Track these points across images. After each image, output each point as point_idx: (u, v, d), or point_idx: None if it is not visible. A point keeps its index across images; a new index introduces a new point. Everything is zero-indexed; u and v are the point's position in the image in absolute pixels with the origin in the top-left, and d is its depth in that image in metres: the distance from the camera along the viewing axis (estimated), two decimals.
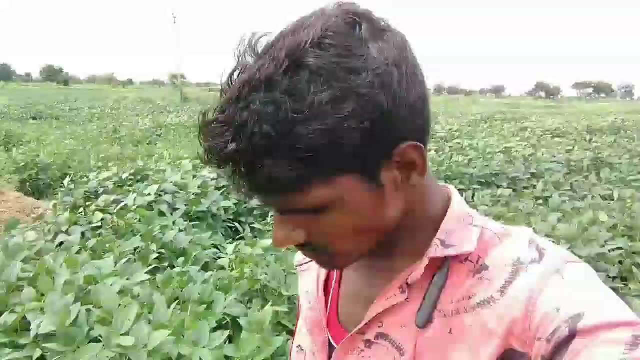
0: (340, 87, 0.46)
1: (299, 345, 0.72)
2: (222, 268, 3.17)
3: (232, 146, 0.46)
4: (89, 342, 1.87)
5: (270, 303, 2.44)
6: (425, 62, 0.55)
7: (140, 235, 3.53)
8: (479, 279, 0.53)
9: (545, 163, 7.94)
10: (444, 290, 0.55)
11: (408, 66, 0.50)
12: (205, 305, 2.35)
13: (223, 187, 5.08)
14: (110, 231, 3.86)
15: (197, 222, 4.31)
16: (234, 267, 3.17)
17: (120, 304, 2.02)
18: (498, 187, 6.46)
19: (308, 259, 0.70)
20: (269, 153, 0.46)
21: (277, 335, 2.24)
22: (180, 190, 4.78)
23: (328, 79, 0.45)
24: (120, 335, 1.77)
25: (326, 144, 0.46)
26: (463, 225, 0.57)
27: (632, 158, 8.94)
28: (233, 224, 4.68)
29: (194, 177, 5.28)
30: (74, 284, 2.17)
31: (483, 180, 6.82)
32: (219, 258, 3.45)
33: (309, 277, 0.73)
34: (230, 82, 0.49)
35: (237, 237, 4.42)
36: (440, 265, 0.56)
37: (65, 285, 2.13)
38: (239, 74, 0.49)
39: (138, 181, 5.39)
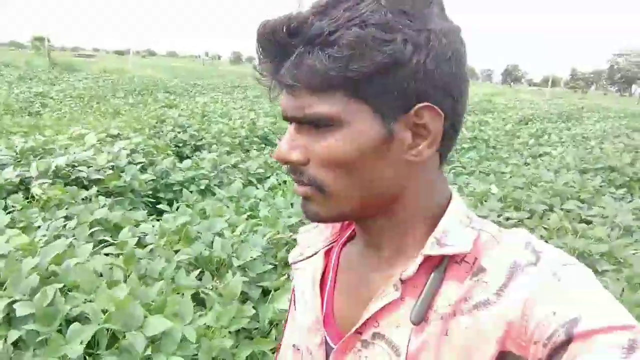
0: (393, 19, 0.50)
1: (295, 345, 0.71)
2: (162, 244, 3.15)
3: (286, 29, 0.51)
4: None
5: (232, 273, 2.53)
6: None
7: (66, 211, 3.35)
8: (475, 281, 0.53)
9: None
10: (440, 291, 0.55)
11: (457, 52, 0.54)
12: (170, 281, 2.37)
13: (140, 161, 4.91)
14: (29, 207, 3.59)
15: (117, 198, 4.15)
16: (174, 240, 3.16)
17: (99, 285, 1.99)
18: None
19: (302, 257, 0.73)
20: (310, 46, 0.50)
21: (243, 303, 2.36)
22: (89, 166, 4.52)
23: (387, 9, 0.50)
24: (112, 314, 1.77)
25: (360, 54, 0.49)
26: (460, 226, 0.57)
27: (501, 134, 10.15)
28: (153, 200, 4.56)
29: (100, 151, 5.01)
30: (36, 267, 2.08)
31: None
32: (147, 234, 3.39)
33: (303, 276, 0.73)
34: None
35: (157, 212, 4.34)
36: (437, 265, 0.56)
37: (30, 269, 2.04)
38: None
39: (37, 156, 4.98)
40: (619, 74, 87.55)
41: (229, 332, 2.18)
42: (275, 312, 2.30)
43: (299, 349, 0.70)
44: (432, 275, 0.55)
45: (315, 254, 0.71)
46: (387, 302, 0.57)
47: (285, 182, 5.20)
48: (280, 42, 0.52)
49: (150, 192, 4.60)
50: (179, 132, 7.19)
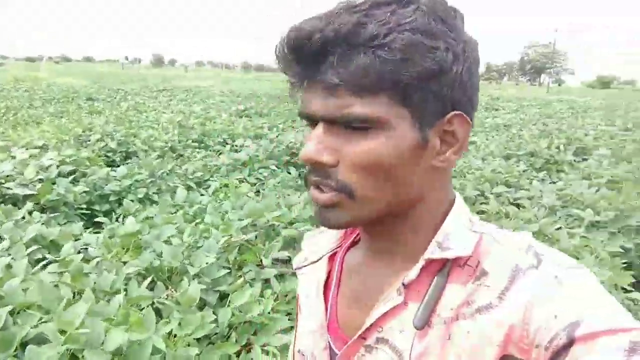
0: (437, 27, 0.51)
1: (300, 350, 0.71)
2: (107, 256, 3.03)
3: (335, 29, 0.50)
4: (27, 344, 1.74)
5: (187, 281, 2.48)
6: None
7: None
8: (478, 284, 0.54)
9: None
10: (443, 295, 0.55)
11: (478, 62, 0.57)
12: (123, 293, 2.30)
13: (70, 172, 4.67)
14: None
15: (51, 213, 3.93)
16: (118, 252, 3.05)
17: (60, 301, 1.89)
18: None
19: (307, 262, 0.72)
20: (360, 47, 0.50)
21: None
22: (14, 181, 4.25)
23: (429, 16, 0.51)
24: (75, 330, 1.69)
25: (409, 58, 0.50)
26: (462, 230, 0.58)
27: None
28: (87, 212, 4.36)
29: (26, 164, 4.73)
30: None
31: None
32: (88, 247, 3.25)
33: (307, 281, 0.73)
34: None
35: (93, 225, 4.16)
36: (440, 269, 0.56)
37: None
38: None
39: None
40: (529, 64, 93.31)
41: (193, 340, 2.15)
42: (235, 314, 2.29)
43: (303, 355, 0.69)
44: (435, 279, 0.55)
45: (320, 259, 0.71)
46: (390, 307, 0.57)
47: (227, 185, 5.14)
48: (317, 47, 0.51)
49: (85, 205, 4.40)
50: (107, 141, 6.90)
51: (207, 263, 2.57)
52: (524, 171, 6.22)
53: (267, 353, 2.25)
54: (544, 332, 0.46)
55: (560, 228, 3.84)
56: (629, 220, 4.27)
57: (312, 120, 0.56)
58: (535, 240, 0.56)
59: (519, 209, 4.46)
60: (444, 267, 0.56)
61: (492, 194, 5.04)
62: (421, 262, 0.56)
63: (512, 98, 26.71)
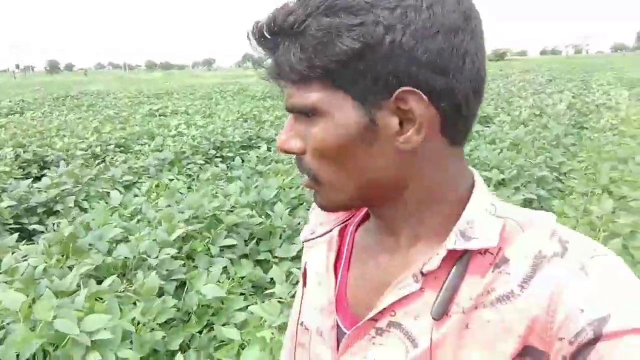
0: (363, 1, 0.48)
1: (303, 323, 0.69)
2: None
3: (289, 15, 0.50)
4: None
5: (142, 273, 2.60)
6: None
7: None
8: (498, 272, 0.51)
9: None
10: (463, 283, 0.52)
11: (444, 21, 0.49)
12: (85, 290, 2.38)
13: None
14: None
15: None
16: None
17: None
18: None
19: (315, 235, 0.71)
20: (285, 38, 0.51)
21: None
22: None
23: None
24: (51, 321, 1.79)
25: (326, 42, 0.48)
26: (486, 216, 0.54)
27: None
28: (17, 225, 4.25)
29: None
30: None
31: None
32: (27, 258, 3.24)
33: (316, 254, 0.70)
34: None
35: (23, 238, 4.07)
36: (460, 257, 0.53)
37: None
38: None
39: None
40: None
41: (156, 325, 2.29)
42: (199, 298, 2.45)
43: (307, 329, 0.68)
44: (455, 267, 0.53)
45: (329, 232, 0.69)
46: (406, 293, 0.55)
47: (158, 185, 5.17)
48: (265, 39, 0.53)
49: (12, 219, 4.28)
50: (19, 152, 6.61)
51: (167, 254, 2.69)
52: None
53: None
54: (569, 326, 0.44)
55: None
56: (528, 173, 4.84)
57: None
58: (559, 225, 0.53)
59: None
60: (463, 254, 0.53)
61: None
62: (443, 252, 0.53)
63: None
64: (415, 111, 0.50)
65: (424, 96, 0.49)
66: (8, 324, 1.93)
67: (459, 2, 0.50)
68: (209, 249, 3.11)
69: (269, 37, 0.52)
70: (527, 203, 4.23)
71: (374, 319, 0.57)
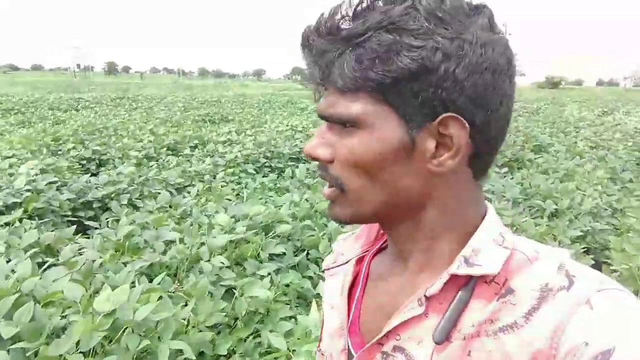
0: (426, 27, 0.50)
1: (320, 349, 0.72)
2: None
3: (321, 32, 0.53)
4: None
5: (194, 275, 2.65)
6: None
7: None
8: (503, 302, 0.52)
9: None
10: (466, 310, 0.53)
11: (497, 64, 0.52)
12: (141, 285, 2.45)
13: (52, 181, 4.71)
14: None
15: (39, 220, 4.00)
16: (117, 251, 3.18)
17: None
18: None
19: (336, 264, 0.73)
20: (339, 47, 0.52)
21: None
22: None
23: (422, 16, 0.50)
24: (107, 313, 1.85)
25: (385, 57, 0.50)
26: (492, 245, 0.55)
27: None
28: (74, 218, 4.43)
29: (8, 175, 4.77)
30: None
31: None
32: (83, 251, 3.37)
33: (334, 282, 0.73)
34: None
35: (80, 231, 4.23)
36: (465, 284, 0.54)
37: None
38: None
39: None
40: None
41: (205, 327, 2.33)
42: (248, 304, 2.48)
43: (323, 354, 0.71)
44: (459, 294, 0.54)
45: (348, 262, 0.72)
46: (410, 317, 0.56)
47: (209, 189, 5.28)
48: (316, 45, 0.54)
49: (70, 212, 4.47)
50: (80, 149, 6.92)
51: (220, 263, 2.75)
52: None
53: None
54: (573, 359, 0.44)
55: (526, 219, 4.18)
56: (582, 207, 4.68)
57: (320, 117, 0.59)
58: (569, 259, 0.54)
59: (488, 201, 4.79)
60: (469, 282, 0.54)
61: None
62: (445, 277, 0.54)
63: None
64: (454, 137, 0.52)
65: (467, 125, 0.52)
66: (65, 316, 2.00)
67: (506, 47, 0.54)
68: (258, 254, 3.15)
69: (323, 41, 0.53)
70: (580, 238, 4.08)
71: (381, 343, 0.59)
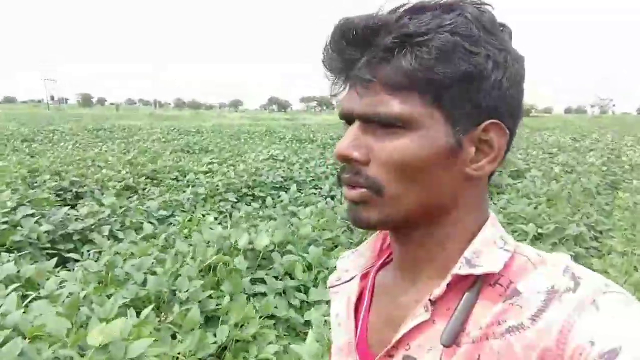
0: (478, 34, 0.52)
1: None
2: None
3: (377, 25, 0.52)
4: None
5: (178, 305, 2.59)
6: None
7: None
8: (510, 304, 0.52)
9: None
10: (473, 313, 0.53)
11: (522, 77, 0.56)
12: (129, 317, 2.38)
13: (30, 214, 4.59)
14: None
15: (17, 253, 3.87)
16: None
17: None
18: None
19: (340, 281, 0.73)
20: (397, 45, 0.51)
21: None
22: None
23: (473, 24, 0.52)
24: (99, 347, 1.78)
25: (447, 59, 0.50)
26: (493, 248, 0.56)
27: None
28: (53, 251, 4.30)
29: None
30: None
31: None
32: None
33: (339, 300, 0.72)
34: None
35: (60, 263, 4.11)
36: (470, 287, 0.54)
37: None
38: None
39: None
40: None
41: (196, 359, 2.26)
42: (231, 332, 2.43)
43: None
44: (465, 297, 0.54)
45: (352, 278, 0.71)
46: (416, 323, 0.55)
47: (190, 219, 5.21)
48: (359, 38, 0.53)
49: (49, 244, 4.34)
50: (57, 180, 6.78)
51: (194, 287, 2.69)
52: None
53: None
54: (580, 358, 0.45)
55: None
56: (566, 231, 4.75)
57: (349, 120, 0.57)
58: (572, 262, 0.54)
59: None
60: (473, 285, 0.54)
61: None
62: (448, 278, 0.54)
63: None
64: (494, 143, 0.54)
65: (507, 132, 0.54)
66: (53, 351, 1.92)
67: (524, 65, 0.57)
68: (240, 280, 3.10)
69: (375, 34, 0.52)
70: None
71: (390, 355, 0.58)
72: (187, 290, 2.79)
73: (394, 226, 0.60)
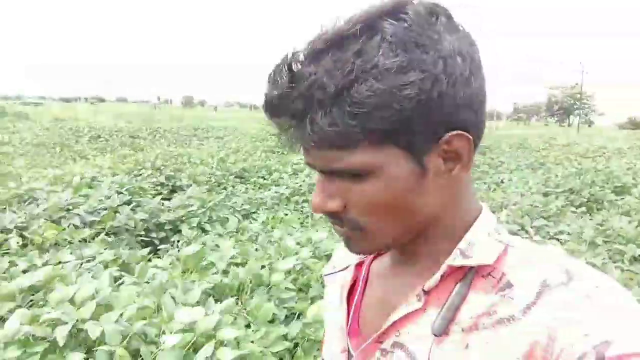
0: (407, 58, 0.47)
1: (322, 356, 0.73)
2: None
3: (294, 94, 0.49)
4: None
5: (257, 297, 2.67)
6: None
7: (68, 251, 3.41)
8: (501, 296, 0.52)
9: None
10: (464, 303, 0.54)
11: (473, 62, 0.52)
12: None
13: (127, 202, 4.98)
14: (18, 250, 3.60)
15: (113, 238, 4.20)
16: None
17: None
18: None
19: (335, 270, 0.74)
20: (324, 106, 0.48)
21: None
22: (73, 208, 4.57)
23: (397, 47, 0.47)
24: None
25: (381, 105, 0.47)
26: (487, 239, 0.56)
27: None
28: (146, 238, 4.63)
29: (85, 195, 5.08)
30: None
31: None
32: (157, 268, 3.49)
33: (333, 287, 0.73)
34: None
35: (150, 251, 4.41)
36: (462, 278, 0.55)
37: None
38: (319, 35, 0.50)
39: (24, 202, 4.96)
40: (557, 105, 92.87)
41: (269, 352, 2.32)
42: (303, 330, 2.46)
43: (323, 359, 0.72)
44: (457, 287, 0.54)
45: (347, 267, 0.72)
46: (408, 311, 0.56)
47: (274, 217, 5.37)
48: (281, 110, 0.51)
49: (143, 232, 4.67)
50: (156, 175, 7.28)
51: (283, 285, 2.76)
52: (562, 206, 6.28)
53: None
54: (572, 350, 0.45)
55: (605, 261, 3.91)
56: None
57: (314, 169, 0.57)
58: (566, 255, 0.55)
59: (560, 243, 4.54)
60: (466, 276, 0.55)
61: (532, 227, 5.13)
62: (442, 269, 0.55)
63: (544, 137, 26.62)
64: (460, 150, 0.53)
65: (470, 137, 0.52)
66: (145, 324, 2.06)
67: (472, 44, 0.53)
68: (322, 282, 3.14)
69: (300, 101, 0.49)
70: None
71: (379, 341, 0.59)
72: (268, 285, 2.87)
73: (390, 248, 0.62)
